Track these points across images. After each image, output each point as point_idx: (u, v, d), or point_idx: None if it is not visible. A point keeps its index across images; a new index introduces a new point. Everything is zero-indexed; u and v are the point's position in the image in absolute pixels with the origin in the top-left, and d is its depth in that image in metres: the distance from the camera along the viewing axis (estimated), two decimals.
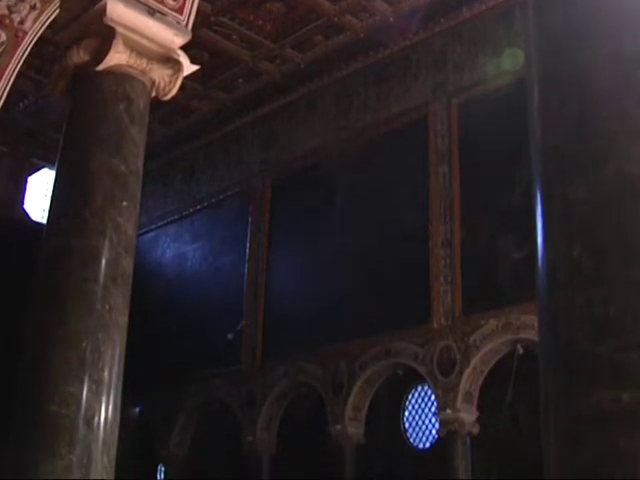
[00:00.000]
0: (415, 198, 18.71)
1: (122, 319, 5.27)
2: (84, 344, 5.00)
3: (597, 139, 2.77)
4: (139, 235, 20.11)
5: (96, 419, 4.93)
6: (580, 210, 2.69)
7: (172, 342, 23.04)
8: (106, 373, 5.04)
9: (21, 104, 22.95)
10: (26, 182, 27.14)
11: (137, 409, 22.76)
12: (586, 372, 2.59)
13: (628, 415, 2.49)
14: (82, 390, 4.94)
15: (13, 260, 21.90)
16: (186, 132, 24.91)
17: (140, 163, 5.85)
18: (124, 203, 5.52)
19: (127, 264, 5.46)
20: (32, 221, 25.91)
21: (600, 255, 2.64)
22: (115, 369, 5.13)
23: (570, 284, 2.67)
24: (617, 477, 2.47)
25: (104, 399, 5.01)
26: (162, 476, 24.70)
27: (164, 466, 24.28)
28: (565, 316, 2.68)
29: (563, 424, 2.65)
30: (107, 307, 5.17)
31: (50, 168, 24.01)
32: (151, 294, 23.71)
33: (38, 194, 26.65)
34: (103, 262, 5.31)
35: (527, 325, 15.87)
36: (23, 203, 26.88)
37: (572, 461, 2.59)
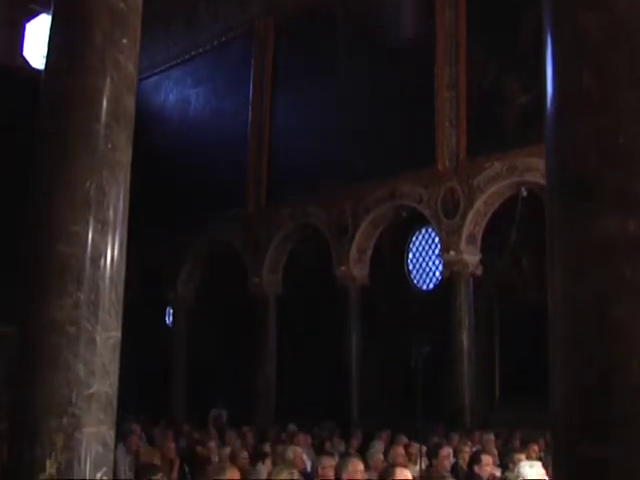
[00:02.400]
0: (420, 39, 18.37)
1: (125, 158, 5.23)
2: (88, 184, 4.97)
3: None
4: (142, 80, 19.91)
5: (102, 258, 4.96)
6: (590, 36, 2.62)
7: (176, 187, 23.11)
8: (111, 212, 5.03)
9: None
10: (24, 29, 26.67)
11: None
12: (592, 200, 2.57)
13: (634, 244, 2.49)
14: (87, 230, 4.93)
15: (14, 107, 21.71)
16: None
17: (139, 0, 5.68)
18: (124, 41, 5.38)
19: (129, 103, 5.38)
20: (32, 68, 25.57)
21: (610, 83, 2.58)
22: (120, 208, 5.12)
23: (579, 113, 2.62)
24: (622, 307, 2.48)
25: (110, 238, 5.02)
26: (170, 318, 25.26)
27: (172, 308, 24.79)
28: (573, 145, 2.65)
29: (568, 256, 2.65)
30: (110, 146, 5.11)
31: (48, 13, 23.50)
32: (155, 139, 23.65)
33: (37, 40, 26.19)
34: (104, 101, 5.22)
35: (531, 168, 15.84)
36: (22, 50, 26.48)
37: (577, 292, 2.60)
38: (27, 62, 26.04)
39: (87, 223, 4.93)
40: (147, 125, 22.17)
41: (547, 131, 2.78)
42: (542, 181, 15.08)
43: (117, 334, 5.00)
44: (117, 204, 5.08)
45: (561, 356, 2.63)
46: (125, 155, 5.23)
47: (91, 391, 4.80)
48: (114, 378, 4.97)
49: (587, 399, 2.52)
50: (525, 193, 16.43)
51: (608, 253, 2.52)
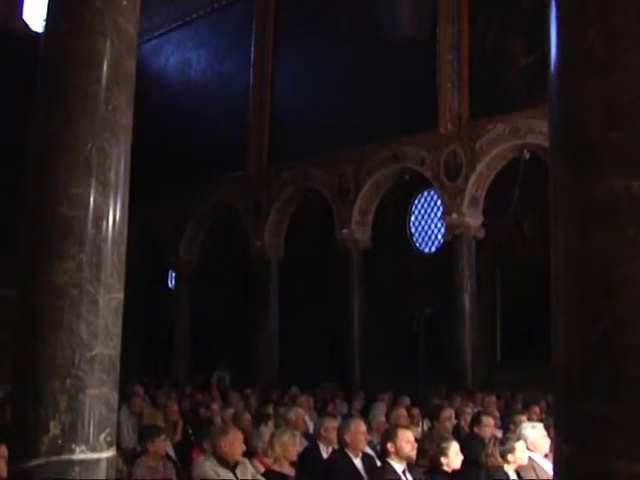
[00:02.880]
0: (422, 1, 18.24)
1: (126, 120, 5.20)
2: (89, 146, 4.95)
3: None
4: (142, 43, 19.80)
5: (104, 220, 4.94)
6: None
7: (178, 150, 23.04)
8: (112, 174, 5.01)
9: None
10: None
11: None
12: (597, 159, 2.55)
13: (638, 204, 2.48)
14: (89, 192, 4.92)
15: (14, 71, 21.58)
16: None
17: None
18: (124, 3, 5.33)
19: (129, 65, 5.34)
20: (31, 31, 25.39)
21: (615, 40, 2.56)
22: (121, 170, 5.10)
23: (584, 70, 2.59)
24: (626, 266, 2.47)
25: (111, 200, 5.00)
26: (172, 282, 25.32)
27: (174, 272, 24.84)
28: (577, 103, 2.62)
29: (571, 215, 2.64)
30: (110, 108, 5.08)
31: None
32: (156, 102, 23.57)
33: (36, 3, 25.97)
34: (105, 64, 5.18)
35: (534, 130, 15.79)
36: (22, 13, 26.28)
37: (580, 252, 2.59)
38: (27, 25, 25.85)
39: (89, 185, 4.91)
40: (148, 88, 22.09)
41: (551, 90, 2.75)
42: (545, 144, 15.02)
43: (120, 296, 5.00)
44: (118, 166, 5.06)
45: (564, 316, 2.63)
46: (126, 117, 5.20)
47: (94, 353, 4.81)
48: (117, 340, 4.98)
49: (590, 359, 2.52)
50: (528, 156, 16.39)
51: (612, 212, 2.51)
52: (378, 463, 7.44)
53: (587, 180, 2.55)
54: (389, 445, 6.51)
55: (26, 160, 5.16)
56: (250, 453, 8.24)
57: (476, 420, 9.44)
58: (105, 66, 5.14)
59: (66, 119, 5.00)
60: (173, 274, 25.06)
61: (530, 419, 9.75)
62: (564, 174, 2.66)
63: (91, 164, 4.91)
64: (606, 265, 2.50)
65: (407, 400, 12.39)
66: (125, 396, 11.83)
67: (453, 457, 7.05)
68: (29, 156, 5.13)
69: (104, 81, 5.10)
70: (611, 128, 2.51)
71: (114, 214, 4.96)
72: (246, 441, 7.66)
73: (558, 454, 2.68)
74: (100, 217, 4.91)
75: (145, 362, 22.43)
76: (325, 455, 8.21)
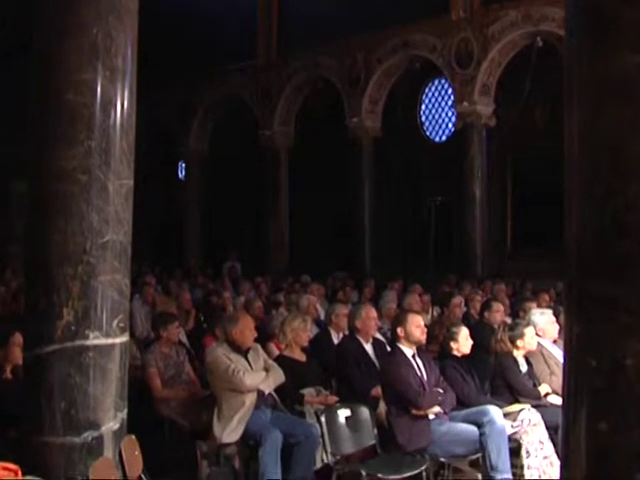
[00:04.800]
0: None
1: (132, 4, 5.08)
2: (95, 30, 4.86)
3: None
4: None
5: (112, 106, 4.89)
6: None
7: (187, 38, 22.60)
8: (120, 60, 4.93)
9: None
10: None
11: None
12: (612, 37, 2.50)
13: None
14: (96, 77, 4.85)
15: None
16: None
17: None
18: None
19: None
20: None
21: None
22: (129, 56, 5.01)
23: None
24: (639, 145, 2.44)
25: (119, 85, 4.93)
26: (183, 173, 25.28)
27: (184, 162, 24.78)
28: None
29: (585, 93, 2.60)
30: None
31: None
32: None
33: None
34: None
35: (547, 17, 15.50)
36: None
37: (594, 130, 2.56)
38: None
39: (95, 71, 4.85)
40: None
41: None
42: (558, 31, 14.79)
43: (129, 182, 4.99)
44: (126, 51, 4.98)
45: (576, 195, 2.61)
46: (132, 1, 5.09)
47: (105, 239, 4.83)
48: (128, 227, 4.98)
49: (601, 239, 2.51)
50: (540, 43, 16.13)
51: (626, 90, 2.46)
52: (388, 348, 7.54)
53: (602, 58, 2.51)
54: (399, 330, 6.56)
55: (31, 48, 5.08)
56: (266, 337, 8.36)
57: (487, 306, 9.52)
58: None
59: (71, 3, 4.90)
60: (183, 165, 25.01)
61: (539, 306, 9.80)
62: (579, 52, 2.61)
63: (97, 49, 4.83)
64: (619, 144, 2.47)
65: (418, 287, 12.46)
66: (138, 286, 11.95)
67: (463, 342, 7.12)
68: (34, 42, 5.05)
69: None
70: (626, 6, 2.45)
71: (122, 100, 4.91)
72: (258, 327, 7.75)
73: (568, 334, 2.70)
74: (108, 103, 4.86)
75: (157, 252, 22.57)
76: (336, 341, 8.32)
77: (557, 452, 6.45)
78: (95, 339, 4.80)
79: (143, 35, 5.36)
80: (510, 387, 7.20)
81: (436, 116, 20.61)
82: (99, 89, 4.85)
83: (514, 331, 7.43)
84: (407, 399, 6.33)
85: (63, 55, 4.89)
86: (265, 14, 21.18)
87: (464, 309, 10.70)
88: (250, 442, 6.55)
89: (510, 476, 6.24)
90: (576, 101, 2.61)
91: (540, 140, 17.39)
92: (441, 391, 6.52)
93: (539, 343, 7.64)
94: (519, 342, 7.36)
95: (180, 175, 25.60)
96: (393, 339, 6.80)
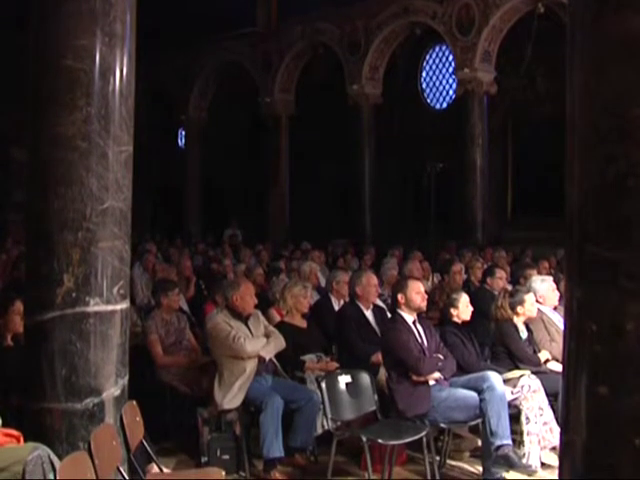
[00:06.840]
0: None
1: None
2: None
3: None
4: None
5: (111, 72, 4.85)
6: None
7: (186, 5, 22.47)
8: (118, 25, 4.89)
9: None
10: None
11: None
12: None
13: None
14: (95, 43, 4.81)
15: None
16: None
17: None
18: None
19: None
20: None
21: None
22: (127, 21, 4.96)
23: None
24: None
25: (118, 52, 4.89)
26: (183, 140, 25.22)
27: (184, 130, 24.71)
28: None
29: (588, 55, 2.57)
30: None
31: None
32: None
33: None
34: None
35: None
36: None
37: (597, 92, 2.53)
38: None
39: (94, 36, 4.81)
40: None
41: None
42: None
43: (129, 148, 4.96)
44: (124, 17, 4.93)
45: (578, 158, 2.60)
46: None
47: (105, 206, 4.81)
48: (128, 193, 4.96)
49: (602, 201, 2.50)
50: (542, 9, 16.02)
51: (629, 53, 2.44)
52: (389, 315, 7.55)
53: (605, 20, 2.48)
54: (399, 296, 6.56)
55: (28, 12, 5.03)
56: (267, 305, 8.37)
57: (489, 272, 9.50)
58: None
59: None
60: (183, 133, 24.95)
61: (539, 273, 9.81)
62: (582, 13, 2.58)
63: (96, 14, 4.79)
64: (621, 106, 2.45)
65: (419, 254, 12.46)
66: (138, 253, 11.95)
67: (463, 308, 7.13)
68: (32, 8, 5.00)
69: None
70: None
71: (121, 66, 4.87)
72: (259, 295, 7.76)
73: (569, 299, 2.70)
74: (107, 69, 4.82)
75: (157, 220, 22.57)
76: (337, 308, 8.32)
77: (557, 418, 6.50)
78: (95, 306, 4.79)
79: (142, 1, 5.32)
80: (510, 354, 7.21)
81: (437, 83, 20.54)
82: (98, 55, 4.81)
83: (514, 298, 7.43)
84: (407, 365, 6.34)
85: (61, 20, 4.84)
86: None
87: (464, 276, 10.69)
88: (251, 408, 6.59)
89: (510, 442, 6.25)
90: (578, 63, 2.59)
91: (541, 107, 17.33)
92: (441, 357, 6.53)
93: (539, 310, 7.65)
94: (519, 309, 7.36)
95: (180, 143, 25.55)
96: (394, 306, 6.79)
